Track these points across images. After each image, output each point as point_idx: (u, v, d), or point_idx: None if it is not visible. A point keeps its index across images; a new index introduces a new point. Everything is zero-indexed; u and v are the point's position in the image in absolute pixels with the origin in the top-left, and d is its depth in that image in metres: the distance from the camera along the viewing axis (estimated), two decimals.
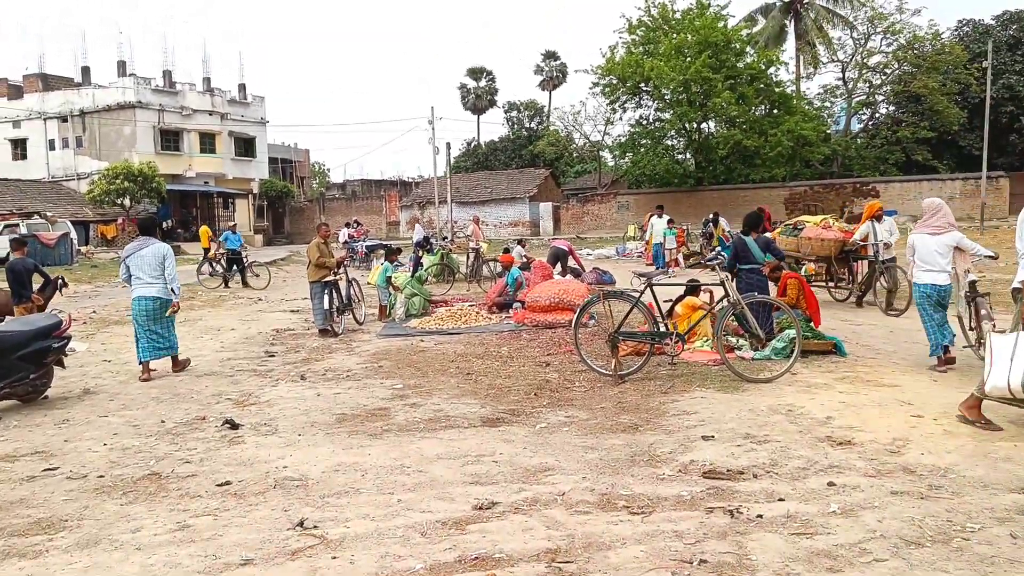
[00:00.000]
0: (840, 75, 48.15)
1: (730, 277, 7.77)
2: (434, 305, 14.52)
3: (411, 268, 19.98)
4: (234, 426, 6.56)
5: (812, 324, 9.92)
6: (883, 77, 46.79)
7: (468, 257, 20.91)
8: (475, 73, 73.63)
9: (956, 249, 7.73)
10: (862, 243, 12.36)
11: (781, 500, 4.54)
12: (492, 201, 50.55)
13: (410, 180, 68.39)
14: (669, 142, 45.99)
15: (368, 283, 17.71)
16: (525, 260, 20.79)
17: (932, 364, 7.91)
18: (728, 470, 5.05)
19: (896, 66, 45.40)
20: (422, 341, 11.18)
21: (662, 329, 7.89)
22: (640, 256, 27.73)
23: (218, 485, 5.12)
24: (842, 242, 12.80)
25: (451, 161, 41.56)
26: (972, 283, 8.36)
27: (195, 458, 5.78)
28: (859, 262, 13.27)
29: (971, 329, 8.38)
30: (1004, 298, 9.69)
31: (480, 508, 4.57)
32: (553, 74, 71.69)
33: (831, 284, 13.55)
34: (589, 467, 5.29)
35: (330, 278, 12.31)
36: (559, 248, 18.06)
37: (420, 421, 6.62)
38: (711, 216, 26.61)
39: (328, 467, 5.44)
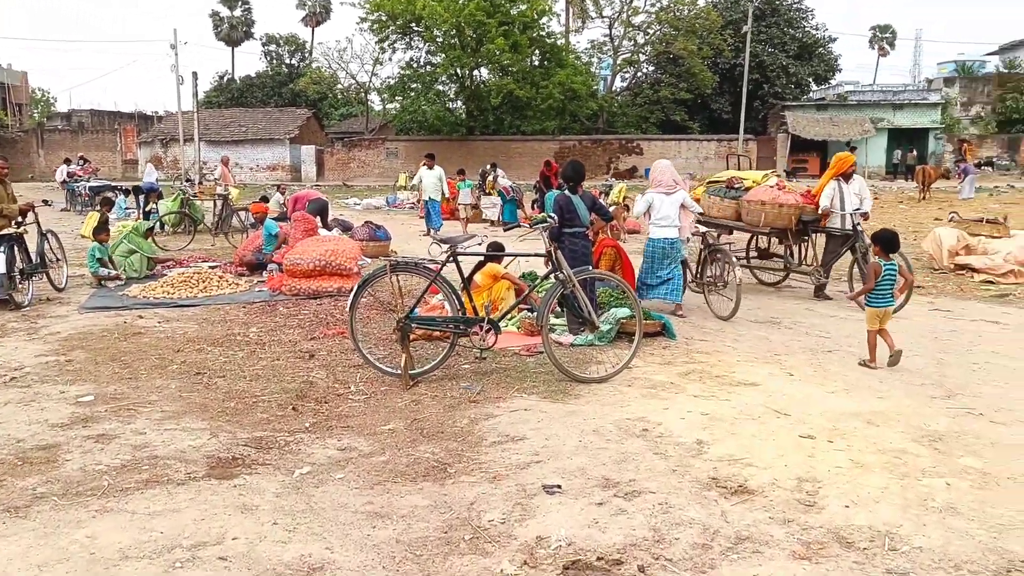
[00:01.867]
0: (607, 31, 48.77)
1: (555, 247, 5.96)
2: (163, 265, 11.60)
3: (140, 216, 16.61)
4: None
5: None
6: (646, 36, 47.88)
7: (215, 205, 17.74)
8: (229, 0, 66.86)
9: (681, 207, 8.31)
10: (827, 211, 9.25)
11: None
12: (248, 141, 45.98)
13: (152, 114, 60.84)
14: (440, 88, 44.09)
15: (81, 235, 14.28)
16: (285, 211, 18.11)
17: (673, 310, 8.33)
18: (600, 558, 3.27)
19: (658, 27, 46.55)
20: (140, 317, 8.45)
21: (468, 313, 5.95)
22: (412, 208, 25.73)
23: None
24: (802, 209, 9.43)
25: (198, 94, 36.66)
26: (704, 234, 9.27)
27: None
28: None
29: (696, 276, 9.07)
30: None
31: None
32: (317, 9, 66.86)
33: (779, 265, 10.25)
34: (382, 561, 3.28)
35: (10, 230, 9.14)
36: (321, 200, 15.56)
37: (107, 471, 4.21)
38: (488, 166, 25.18)
39: None
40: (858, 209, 9.17)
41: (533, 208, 22.20)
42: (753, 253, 10.72)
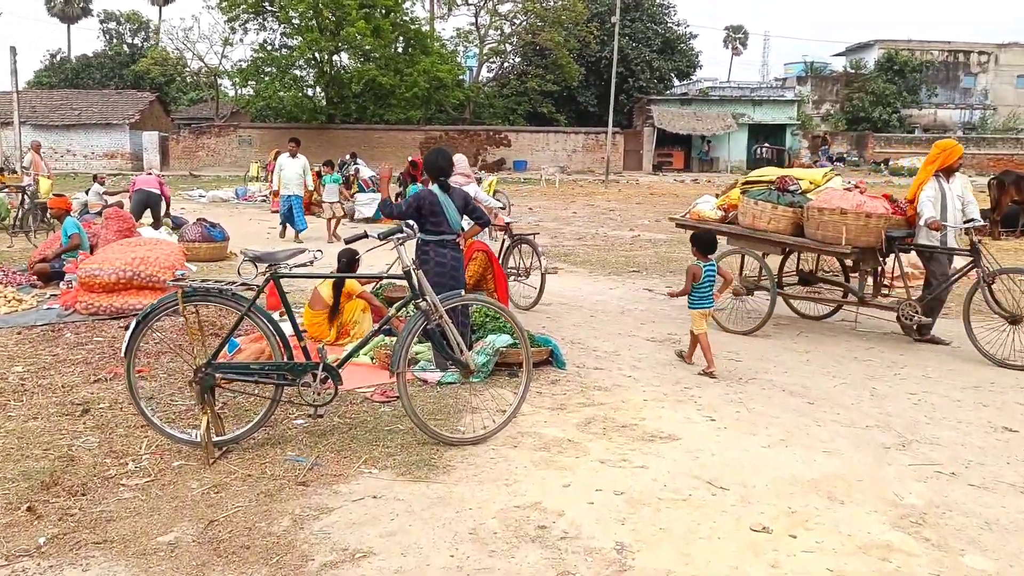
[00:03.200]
0: (473, 20, 47.42)
1: (415, 265, 4.43)
2: None
3: None
4: None
5: None
6: (513, 26, 46.92)
7: (23, 199, 15.09)
8: None
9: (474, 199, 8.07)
10: (931, 225, 6.72)
11: None
12: (82, 126, 41.67)
13: None
14: (298, 72, 41.38)
15: None
16: (106, 204, 15.79)
17: None
18: None
19: (524, 17, 45.68)
20: None
21: (299, 357, 4.39)
22: (265, 200, 23.49)
23: None
24: (890, 220, 6.94)
25: (18, 71, 32.48)
26: (508, 224, 8.91)
27: None
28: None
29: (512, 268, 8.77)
30: None
31: None
32: None
33: (853, 295, 7.55)
34: None
35: None
36: (150, 191, 13.43)
37: None
38: (347, 156, 23.32)
39: None
40: (972, 220, 6.89)
41: (398, 201, 20.55)
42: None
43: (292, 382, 4.20)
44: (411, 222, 4.39)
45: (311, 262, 4.46)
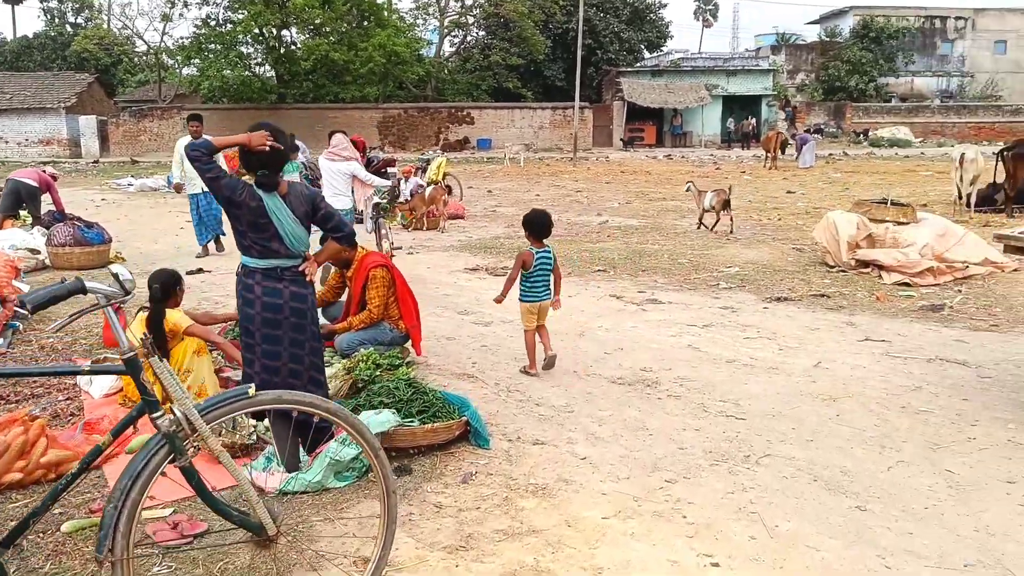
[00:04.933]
0: None
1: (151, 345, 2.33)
2: None
3: None
4: None
5: (412, 348, 5.28)
6: None
7: None
8: None
9: (355, 178, 8.20)
10: None
11: None
12: (14, 111, 38.76)
13: None
14: (244, 49, 38.73)
15: None
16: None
17: None
18: None
19: None
20: None
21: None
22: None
23: None
24: None
25: None
26: (376, 205, 9.41)
27: None
28: None
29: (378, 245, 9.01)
30: None
31: None
32: None
33: None
34: None
35: None
36: (21, 181, 11.24)
37: None
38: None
39: None
40: None
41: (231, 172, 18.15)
42: None
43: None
44: (123, 272, 2.37)
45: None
